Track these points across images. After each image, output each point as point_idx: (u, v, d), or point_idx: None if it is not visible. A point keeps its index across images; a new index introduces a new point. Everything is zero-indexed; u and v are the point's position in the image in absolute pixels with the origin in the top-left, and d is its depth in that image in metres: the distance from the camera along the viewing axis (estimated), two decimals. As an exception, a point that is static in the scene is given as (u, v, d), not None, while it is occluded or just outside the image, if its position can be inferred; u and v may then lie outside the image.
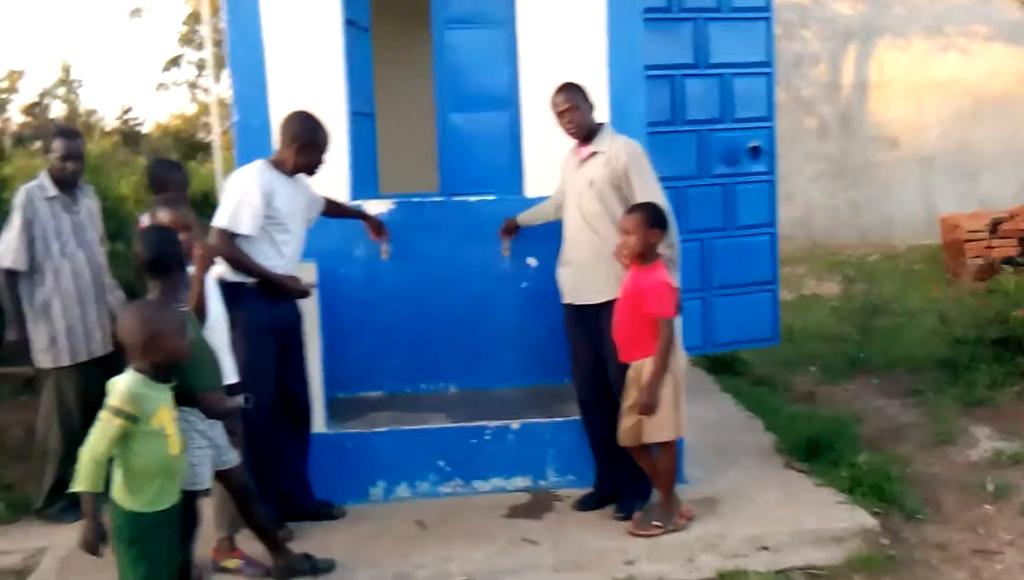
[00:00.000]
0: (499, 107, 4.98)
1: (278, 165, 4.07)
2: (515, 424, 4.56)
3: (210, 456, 3.41)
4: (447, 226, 4.94)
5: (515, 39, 4.87)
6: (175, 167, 4.79)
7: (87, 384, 4.44)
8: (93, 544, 2.92)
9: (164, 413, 3.00)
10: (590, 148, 4.22)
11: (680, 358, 4.01)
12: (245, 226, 3.90)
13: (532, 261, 5.01)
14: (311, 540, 4.07)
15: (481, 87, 4.98)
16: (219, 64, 16.87)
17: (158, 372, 3.02)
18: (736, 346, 6.14)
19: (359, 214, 4.72)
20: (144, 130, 26.33)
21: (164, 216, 3.75)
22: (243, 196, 3.93)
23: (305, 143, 4.02)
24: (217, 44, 16.24)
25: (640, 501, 4.25)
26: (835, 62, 13.43)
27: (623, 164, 4.11)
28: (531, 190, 4.94)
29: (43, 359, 4.41)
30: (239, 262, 3.92)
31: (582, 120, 4.21)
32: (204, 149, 19.83)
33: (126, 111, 31.62)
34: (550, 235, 4.81)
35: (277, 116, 4.63)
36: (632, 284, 3.96)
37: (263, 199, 3.93)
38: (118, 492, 2.96)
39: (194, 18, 14.96)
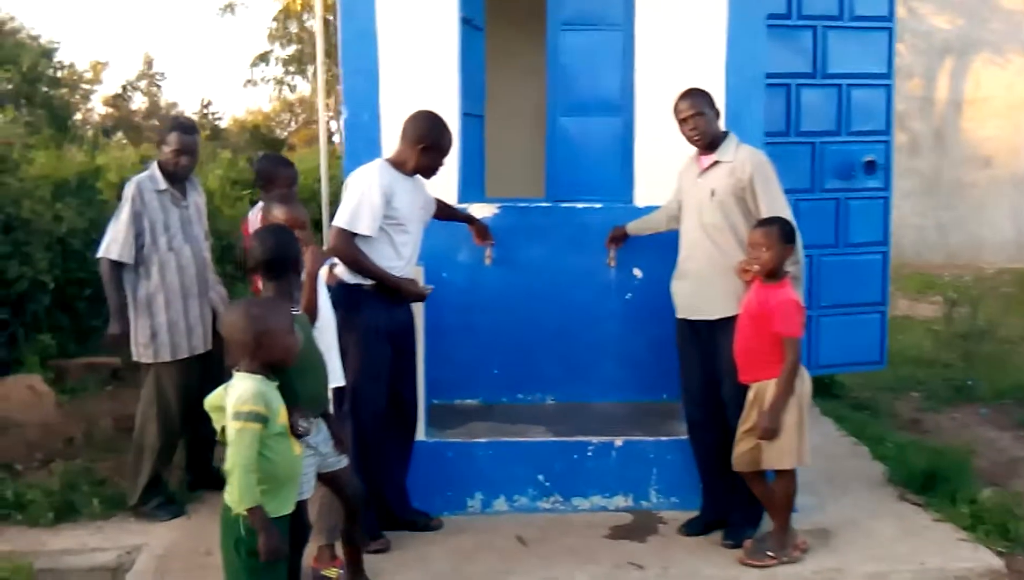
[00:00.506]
0: (612, 112, 4.82)
1: (398, 164, 3.97)
2: (618, 441, 4.41)
3: (314, 463, 3.32)
4: (552, 232, 4.81)
5: (632, 43, 4.72)
6: (284, 162, 4.73)
7: (187, 380, 4.40)
8: (282, 550, 2.84)
9: (284, 412, 2.90)
10: (713, 157, 4.05)
11: (805, 382, 3.81)
12: (364, 226, 3.80)
13: (638, 272, 4.85)
14: (409, 551, 3.98)
15: (594, 91, 4.83)
16: (304, 61, 17.13)
17: (268, 372, 2.91)
18: (841, 369, 5.91)
19: (466, 218, 4.61)
20: (222, 125, 26.80)
21: (279, 214, 3.67)
22: (363, 195, 3.84)
23: (429, 144, 3.93)
24: (301, 41, 16.48)
25: (750, 529, 4.07)
26: (930, 77, 13.03)
27: (748, 175, 3.94)
28: (641, 199, 4.78)
29: (144, 354, 4.36)
30: (358, 263, 3.83)
31: (707, 128, 4.04)
32: (281, 145, 20.01)
33: (205, 105, 32.18)
34: (657, 246, 4.67)
35: (388, 113, 4.60)
36: (757, 301, 3.78)
37: (383, 198, 3.84)
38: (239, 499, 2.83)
39: (285, 14, 15.04)
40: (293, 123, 26.33)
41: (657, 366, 4.88)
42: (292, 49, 15.76)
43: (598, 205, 4.81)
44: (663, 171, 4.68)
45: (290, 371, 3.09)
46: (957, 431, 5.64)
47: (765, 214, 3.91)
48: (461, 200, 4.66)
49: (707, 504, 4.23)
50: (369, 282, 3.90)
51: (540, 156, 5.05)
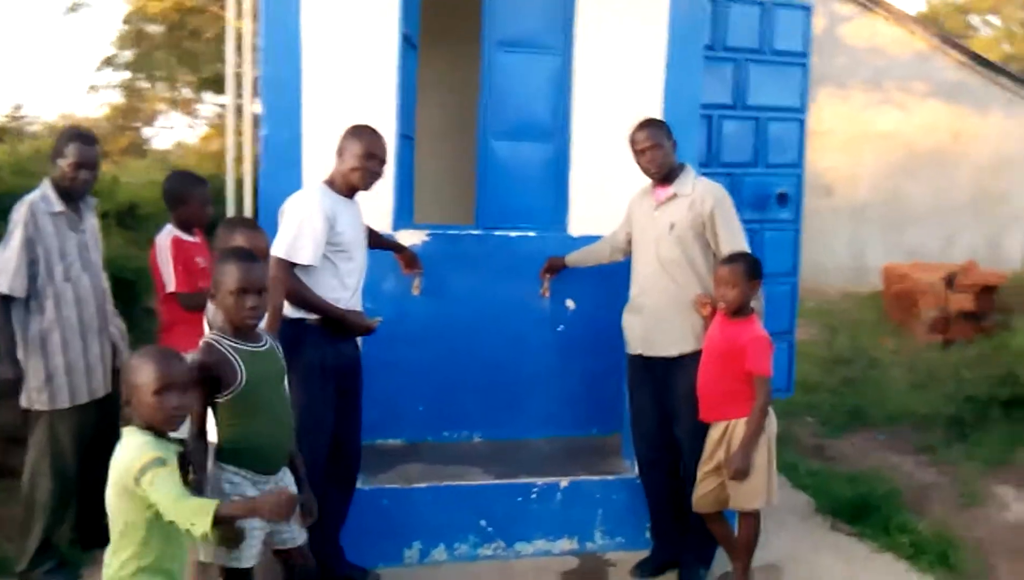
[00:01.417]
0: (546, 138, 4.66)
1: (338, 185, 3.65)
2: (564, 482, 4.22)
3: (261, 534, 2.95)
4: (484, 261, 4.59)
5: (569, 67, 4.57)
6: (195, 180, 4.26)
7: (84, 428, 3.90)
8: (289, 507, 2.61)
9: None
10: (671, 190, 3.94)
11: (772, 420, 3.74)
12: (306, 255, 3.46)
13: (570, 303, 4.70)
14: (354, 612, 3.63)
15: (529, 115, 4.65)
16: (155, 66, 16.06)
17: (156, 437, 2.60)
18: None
19: (393, 245, 4.32)
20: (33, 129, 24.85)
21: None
22: (303, 221, 3.50)
23: (370, 151, 3.60)
24: (153, 45, 15.46)
25: (703, 569, 3.98)
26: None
27: (709, 209, 3.85)
28: (575, 228, 4.63)
29: (37, 399, 3.82)
30: (300, 296, 3.49)
31: (664, 159, 3.93)
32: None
33: (16, 109, 29.81)
34: (590, 276, 4.55)
35: (312, 131, 4.26)
36: (724, 338, 3.68)
37: (325, 224, 3.51)
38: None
39: (138, 16, 14.06)
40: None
41: (588, 400, 4.76)
42: (134, 52, 14.74)
43: (531, 233, 4.62)
44: (598, 199, 4.58)
45: (240, 414, 2.88)
46: (859, 457, 5.77)
47: (725, 248, 3.83)
48: (396, 227, 4.37)
49: (658, 545, 4.10)
50: (312, 316, 3.56)
51: (469, 181, 4.82)
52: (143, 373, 2.55)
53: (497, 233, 4.60)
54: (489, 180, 4.65)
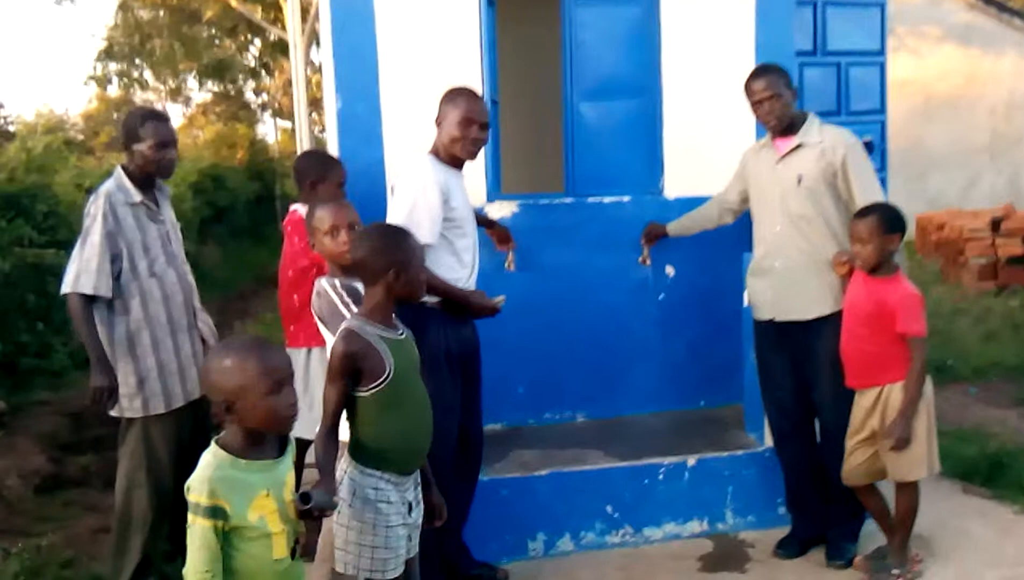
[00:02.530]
0: (635, 95, 4.36)
1: (444, 156, 3.35)
2: (691, 460, 3.95)
3: (404, 539, 2.67)
4: (578, 231, 4.31)
5: (656, 18, 4.27)
6: (330, 160, 3.85)
7: (179, 434, 3.60)
8: None
9: (263, 502, 2.20)
10: (795, 140, 3.64)
11: (929, 383, 3.48)
12: (424, 233, 3.15)
13: (671, 270, 4.42)
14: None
15: (616, 72, 4.34)
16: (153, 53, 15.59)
17: (254, 442, 2.24)
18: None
19: (484, 221, 4.03)
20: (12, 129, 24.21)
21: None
22: (418, 197, 3.20)
23: (471, 116, 3.29)
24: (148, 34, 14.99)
25: (851, 544, 3.73)
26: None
27: (841, 157, 3.56)
28: (671, 189, 4.35)
29: (129, 407, 3.51)
30: None
31: (783, 110, 3.62)
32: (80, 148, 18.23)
33: None
34: (689, 240, 4.26)
35: (390, 103, 3.97)
36: (871, 299, 3.40)
37: (441, 198, 3.21)
38: None
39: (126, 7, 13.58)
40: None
41: (694, 371, 4.49)
42: (129, 41, 14.25)
43: (626, 198, 4.34)
44: (694, 158, 4.31)
45: (385, 409, 2.58)
46: (958, 414, 5.52)
47: (860, 200, 3.55)
48: (490, 199, 4.07)
49: (800, 521, 3.84)
50: (433, 299, 3.26)
51: (554, 146, 4.52)
52: (247, 372, 2.17)
53: (590, 200, 4.32)
54: (578, 144, 4.35)
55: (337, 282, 2.90)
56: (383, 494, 2.63)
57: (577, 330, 4.35)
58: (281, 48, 14.04)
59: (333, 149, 4.02)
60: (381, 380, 2.58)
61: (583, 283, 4.32)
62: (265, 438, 2.28)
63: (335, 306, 2.87)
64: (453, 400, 3.32)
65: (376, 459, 2.64)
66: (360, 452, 2.66)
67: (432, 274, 3.21)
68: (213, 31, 16.66)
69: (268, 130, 25.34)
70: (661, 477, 3.91)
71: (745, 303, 3.96)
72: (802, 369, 3.69)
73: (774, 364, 3.78)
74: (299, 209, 3.81)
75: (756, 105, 3.66)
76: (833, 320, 3.55)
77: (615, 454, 3.99)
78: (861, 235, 3.39)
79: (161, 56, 13.98)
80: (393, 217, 3.20)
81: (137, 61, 14.75)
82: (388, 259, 2.60)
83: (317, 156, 4.01)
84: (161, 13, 13.50)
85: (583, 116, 4.34)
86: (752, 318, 3.85)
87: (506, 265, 4.19)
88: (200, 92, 20.22)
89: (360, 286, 2.84)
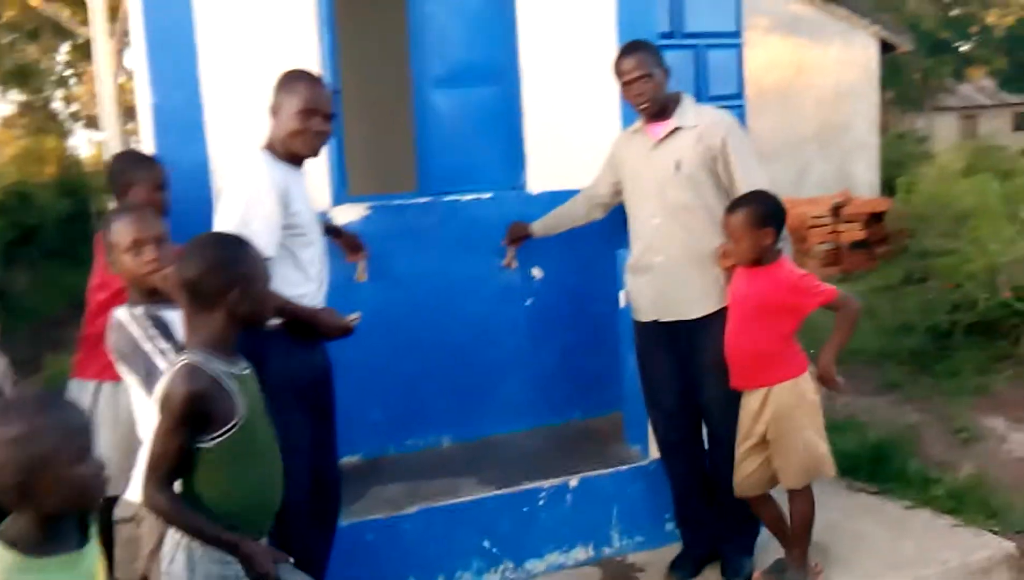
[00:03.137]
0: (492, 81, 3.96)
1: (281, 152, 2.84)
2: (573, 481, 3.57)
3: None
4: (435, 233, 3.88)
5: (511, -5, 3.89)
6: (143, 161, 3.22)
7: None
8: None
9: None
10: (671, 122, 3.33)
11: (812, 380, 3.23)
12: (262, 243, 2.64)
13: (537, 272, 4.05)
14: None
15: (469, 57, 3.92)
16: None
17: (52, 532, 1.72)
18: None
19: (331, 229, 3.54)
20: None
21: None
22: (251, 202, 2.69)
23: (312, 106, 2.80)
24: None
25: (747, 558, 3.45)
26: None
27: (720, 139, 3.26)
28: (535, 184, 3.98)
29: None
30: None
31: (658, 90, 3.30)
32: None
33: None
34: (557, 238, 3.91)
35: (212, 93, 3.42)
36: (756, 292, 3.12)
37: (279, 202, 2.71)
38: None
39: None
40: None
41: (567, 381, 4.14)
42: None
43: (486, 196, 3.94)
44: (558, 149, 3.99)
45: (233, 461, 2.13)
46: (828, 403, 5.39)
47: (741, 186, 3.27)
48: (336, 202, 3.59)
49: (692, 538, 3.53)
50: (274, 321, 2.76)
51: (403, 140, 4.08)
52: (43, 438, 1.65)
53: (446, 199, 3.89)
54: (430, 137, 3.91)
55: (139, 311, 2.46)
56: (231, 568, 2.13)
57: (438, 343, 3.91)
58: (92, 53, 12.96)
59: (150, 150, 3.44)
60: (231, 426, 2.10)
61: (443, 291, 3.89)
62: (63, 523, 1.74)
63: (135, 342, 2.36)
64: (303, 439, 2.82)
65: (222, 524, 2.13)
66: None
67: (273, 292, 2.71)
68: (14, 35, 15.33)
69: (81, 143, 23.68)
70: (541, 502, 3.52)
71: (622, 303, 3.63)
72: (688, 372, 3.38)
73: (657, 368, 3.45)
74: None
75: (626, 86, 3.32)
76: (720, 317, 3.25)
77: (489, 481, 3.57)
78: (733, 231, 3.11)
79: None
80: (222, 226, 2.68)
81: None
82: (228, 276, 2.14)
83: (129, 155, 3.42)
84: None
85: (435, 106, 3.91)
86: (632, 319, 3.52)
87: (356, 276, 3.72)
88: (2, 103, 18.58)
89: (168, 314, 2.34)
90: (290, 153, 2.85)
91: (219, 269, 2.14)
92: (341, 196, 3.70)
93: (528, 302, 4.04)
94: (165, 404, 2.06)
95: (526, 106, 3.93)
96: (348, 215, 3.70)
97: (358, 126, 4.77)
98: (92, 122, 20.47)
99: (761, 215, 3.11)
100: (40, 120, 19.65)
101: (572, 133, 3.93)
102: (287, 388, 2.74)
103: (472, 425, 4.03)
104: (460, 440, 4.02)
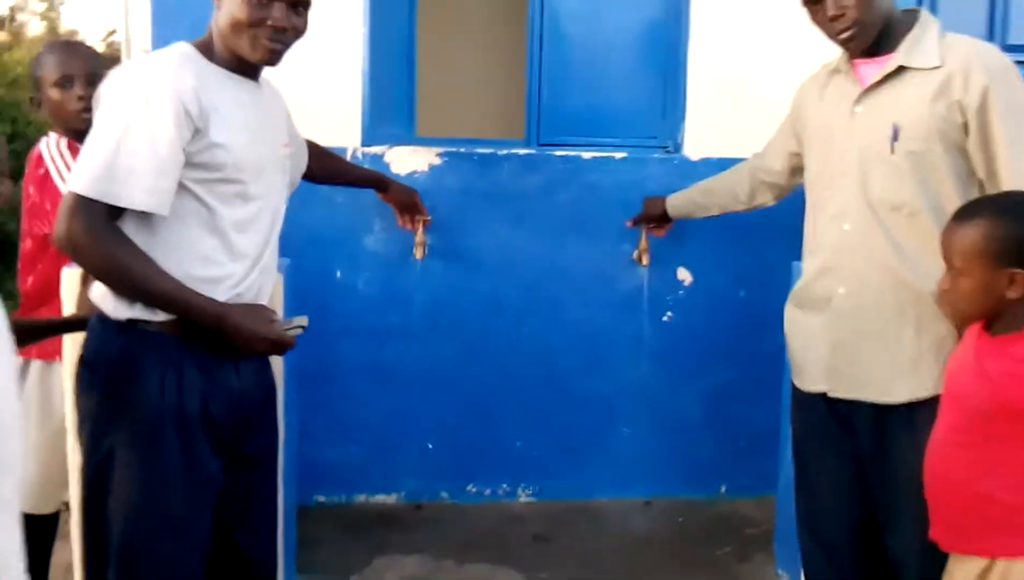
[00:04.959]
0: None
1: (211, 51, 1.78)
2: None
3: None
4: (536, 201, 2.73)
5: None
6: (75, 47, 2.50)
7: None
8: None
9: None
10: (892, 60, 1.91)
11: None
12: (137, 191, 1.61)
13: (684, 274, 2.78)
14: None
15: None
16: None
17: None
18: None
19: (374, 178, 2.48)
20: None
21: None
22: (132, 123, 1.63)
23: None
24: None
25: None
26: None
27: (979, 94, 1.83)
28: (694, 147, 2.70)
29: None
30: (129, 274, 1.64)
31: (866, 13, 1.89)
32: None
33: (111, 33, 29.04)
34: (715, 231, 2.61)
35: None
36: (979, 375, 1.68)
37: (183, 121, 1.63)
38: None
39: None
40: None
41: (708, 440, 2.88)
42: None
43: (620, 154, 2.72)
44: (733, 100, 2.64)
45: None
46: None
47: (1005, 176, 1.83)
48: (366, 141, 2.53)
49: None
50: (158, 317, 1.70)
51: (512, 75, 2.95)
52: None
53: (559, 152, 2.71)
54: (549, 72, 2.75)
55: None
56: None
57: (525, 359, 2.80)
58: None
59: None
60: None
61: (539, 287, 2.81)
62: None
63: None
64: (193, 506, 1.76)
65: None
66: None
67: (155, 269, 1.66)
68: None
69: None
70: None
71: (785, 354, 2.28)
72: (871, 492, 1.99)
73: (821, 474, 2.08)
74: (47, 142, 2.37)
75: (814, 4, 1.94)
76: (933, 410, 1.83)
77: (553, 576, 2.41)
78: (952, 254, 1.68)
79: None
80: (85, 160, 1.65)
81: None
82: None
83: (55, 46, 2.54)
84: None
85: (558, 24, 2.72)
86: (790, 382, 2.16)
87: (414, 251, 2.64)
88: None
89: None
90: (233, 55, 1.77)
91: None
92: (391, 135, 2.62)
93: (666, 317, 2.80)
94: None
95: (693, 36, 2.64)
96: (408, 164, 2.63)
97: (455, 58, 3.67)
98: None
99: (1014, 240, 1.65)
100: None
101: (756, 80, 2.61)
102: (168, 424, 1.69)
103: (561, 479, 2.87)
104: (545, 497, 2.87)
